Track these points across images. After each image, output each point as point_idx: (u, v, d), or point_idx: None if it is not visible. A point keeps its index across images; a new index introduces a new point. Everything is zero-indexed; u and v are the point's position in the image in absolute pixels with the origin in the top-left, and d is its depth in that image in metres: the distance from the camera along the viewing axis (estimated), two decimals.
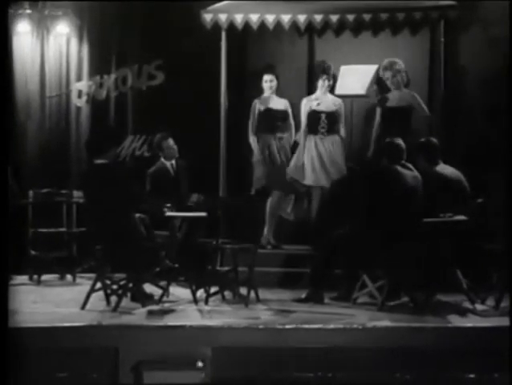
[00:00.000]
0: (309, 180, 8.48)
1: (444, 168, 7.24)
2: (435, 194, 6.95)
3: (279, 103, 8.70)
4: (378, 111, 8.53)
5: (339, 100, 8.58)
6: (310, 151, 8.47)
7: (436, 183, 7.07)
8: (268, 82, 8.63)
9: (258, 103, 8.63)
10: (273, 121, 8.64)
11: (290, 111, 8.72)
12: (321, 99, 8.52)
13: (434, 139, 7.44)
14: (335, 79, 8.54)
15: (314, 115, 8.50)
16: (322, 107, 8.51)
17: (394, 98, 8.48)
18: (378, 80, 8.57)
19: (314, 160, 8.46)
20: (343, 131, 8.58)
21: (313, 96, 8.56)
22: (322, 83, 8.50)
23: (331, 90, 8.56)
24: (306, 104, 8.53)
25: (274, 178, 8.57)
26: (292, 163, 8.55)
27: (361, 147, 8.70)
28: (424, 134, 7.89)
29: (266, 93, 8.66)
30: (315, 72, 8.62)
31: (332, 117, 8.53)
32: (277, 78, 8.66)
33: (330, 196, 8.38)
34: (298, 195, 8.73)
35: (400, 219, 6.77)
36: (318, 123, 8.49)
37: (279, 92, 8.70)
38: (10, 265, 6.24)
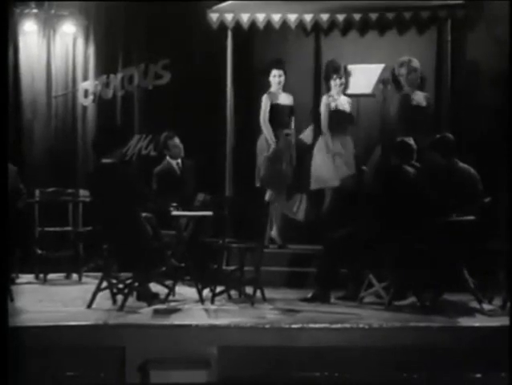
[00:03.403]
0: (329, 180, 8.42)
1: (459, 166, 7.18)
2: (449, 191, 6.90)
3: (287, 99, 8.66)
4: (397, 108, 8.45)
5: (350, 100, 8.56)
6: (329, 151, 8.45)
7: (450, 180, 7.01)
8: (277, 77, 8.57)
9: (268, 98, 8.54)
10: (281, 117, 8.59)
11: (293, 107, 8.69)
12: (338, 99, 8.50)
13: (450, 136, 7.29)
14: (346, 78, 8.50)
15: (335, 115, 8.46)
16: (341, 107, 8.49)
17: (418, 97, 8.42)
18: (393, 78, 8.47)
19: (330, 160, 8.42)
20: (351, 132, 8.56)
21: (330, 96, 8.51)
22: (334, 83, 8.46)
23: (344, 89, 8.53)
24: (327, 103, 8.48)
25: (280, 176, 8.53)
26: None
27: (370, 146, 8.64)
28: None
29: (274, 88, 8.60)
30: (327, 72, 8.56)
31: (349, 117, 8.52)
32: (285, 73, 8.59)
33: (339, 196, 8.35)
34: (306, 194, 8.70)
35: (407, 218, 6.75)
36: (338, 123, 8.45)
37: (286, 91, 8.68)
38: (9, 265, 6.25)
